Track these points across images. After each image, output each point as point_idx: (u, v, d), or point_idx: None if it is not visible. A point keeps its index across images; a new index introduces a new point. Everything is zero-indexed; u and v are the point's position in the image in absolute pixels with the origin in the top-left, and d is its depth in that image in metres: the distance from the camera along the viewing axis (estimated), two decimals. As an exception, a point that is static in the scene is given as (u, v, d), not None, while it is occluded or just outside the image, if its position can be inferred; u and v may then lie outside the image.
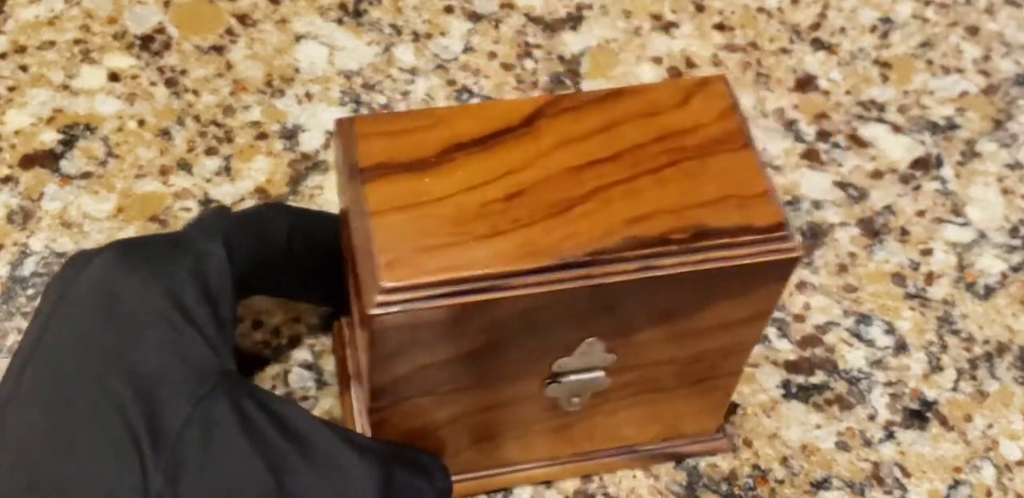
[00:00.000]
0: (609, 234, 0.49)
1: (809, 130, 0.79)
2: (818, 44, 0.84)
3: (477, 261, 0.48)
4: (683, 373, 0.58)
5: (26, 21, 0.80)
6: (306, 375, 0.67)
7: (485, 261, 0.48)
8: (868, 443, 0.67)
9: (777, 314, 0.71)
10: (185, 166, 0.74)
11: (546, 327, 0.51)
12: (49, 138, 0.75)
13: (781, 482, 0.65)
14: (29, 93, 0.77)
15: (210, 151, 0.75)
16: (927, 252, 0.74)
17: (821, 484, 0.65)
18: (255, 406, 0.52)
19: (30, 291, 0.69)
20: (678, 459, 0.66)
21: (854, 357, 0.70)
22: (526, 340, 0.52)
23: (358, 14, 0.82)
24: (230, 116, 0.76)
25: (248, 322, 0.69)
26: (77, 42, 0.79)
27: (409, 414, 0.56)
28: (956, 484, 0.66)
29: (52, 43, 0.79)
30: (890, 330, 0.71)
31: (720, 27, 0.84)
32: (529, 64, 0.81)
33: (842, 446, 0.66)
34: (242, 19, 0.81)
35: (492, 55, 0.81)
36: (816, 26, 0.85)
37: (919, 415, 0.68)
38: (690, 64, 0.81)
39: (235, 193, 0.73)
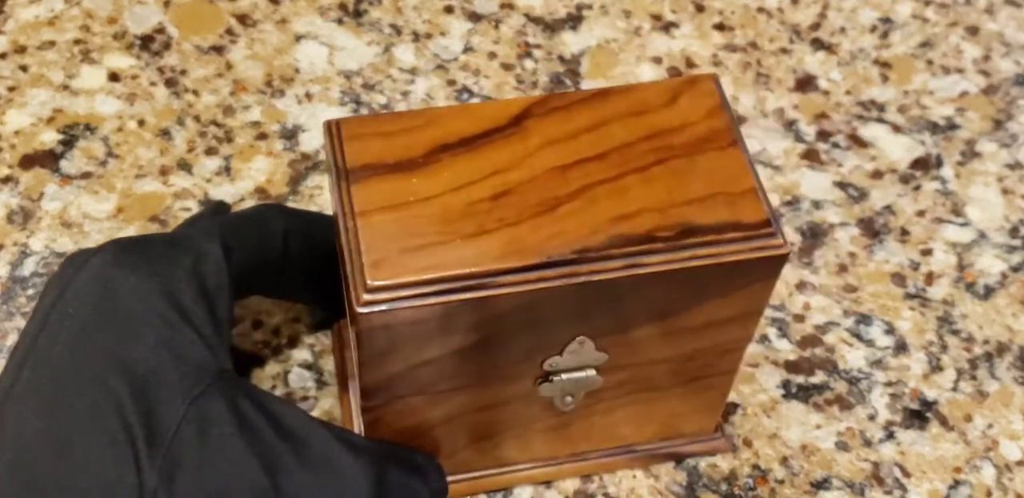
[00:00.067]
0: (595, 232, 0.49)
1: (809, 130, 0.79)
2: (818, 44, 0.83)
3: (463, 260, 0.48)
4: (677, 372, 0.58)
5: (26, 21, 0.80)
6: (306, 375, 0.67)
7: (471, 260, 0.48)
8: (868, 443, 0.66)
9: (777, 314, 0.71)
10: (185, 166, 0.74)
11: (535, 326, 0.51)
12: (49, 138, 0.75)
13: (781, 482, 0.65)
14: (29, 93, 0.77)
15: (210, 151, 0.75)
16: (927, 252, 0.74)
17: (821, 484, 0.65)
18: (251, 405, 0.52)
19: (30, 291, 0.69)
20: (677, 459, 0.65)
21: (854, 357, 0.69)
22: (515, 339, 0.52)
23: (358, 14, 0.82)
24: (230, 116, 0.76)
25: (248, 322, 0.69)
26: (77, 42, 0.79)
27: (402, 413, 0.56)
28: (956, 484, 0.66)
29: (52, 43, 0.79)
30: (890, 330, 0.71)
31: (720, 27, 0.84)
32: (529, 64, 0.81)
33: (842, 446, 0.66)
34: (242, 19, 0.81)
35: (492, 55, 0.81)
36: (816, 26, 0.84)
37: (919, 415, 0.68)
38: (690, 64, 0.81)
39: (235, 193, 0.73)
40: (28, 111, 0.76)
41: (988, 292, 0.73)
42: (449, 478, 0.60)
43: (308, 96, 0.78)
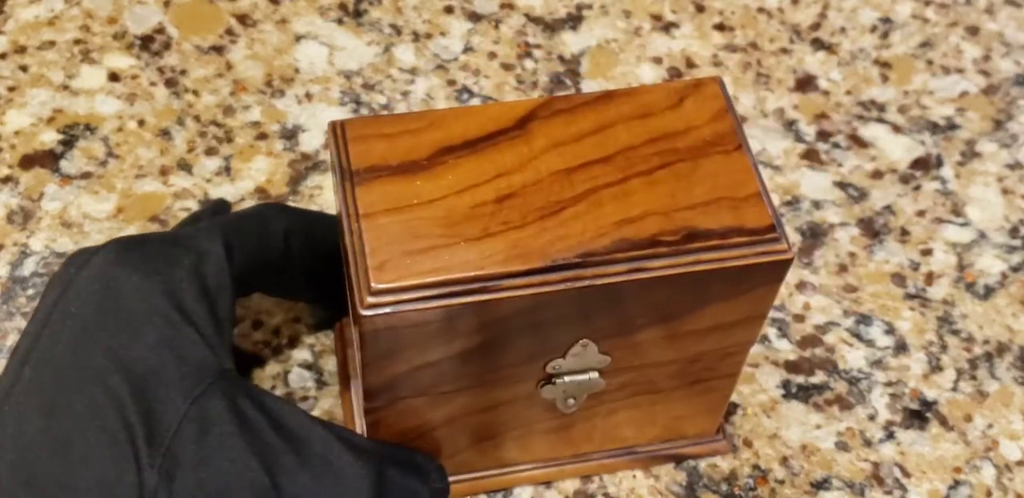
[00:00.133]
0: (600, 236, 0.49)
1: (809, 130, 0.79)
2: (818, 44, 0.83)
3: (467, 263, 0.48)
4: (679, 375, 0.58)
5: (26, 21, 0.80)
6: (306, 375, 0.67)
7: (475, 263, 0.48)
8: (868, 443, 0.67)
9: (777, 314, 0.71)
10: (185, 166, 0.74)
11: (538, 328, 0.51)
12: (49, 138, 0.75)
13: (781, 482, 0.65)
14: (29, 93, 0.77)
15: (210, 151, 0.75)
16: (927, 252, 0.74)
17: (821, 484, 0.65)
18: (252, 405, 0.52)
19: (30, 291, 0.69)
20: (678, 460, 0.66)
21: (854, 357, 0.69)
22: (519, 341, 0.52)
23: (358, 14, 0.82)
24: (230, 116, 0.76)
25: (248, 322, 0.69)
26: (77, 42, 0.79)
27: (405, 414, 0.56)
28: (956, 484, 0.66)
29: (52, 43, 0.79)
30: (890, 330, 0.71)
31: (720, 27, 0.84)
32: (529, 64, 0.81)
33: (842, 446, 0.66)
34: (242, 19, 0.81)
35: (492, 55, 0.81)
36: (816, 26, 0.84)
37: (919, 415, 0.68)
38: (690, 64, 0.81)
39: (235, 193, 0.73)
40: (28, 111, 0.76)
41: (988, 292, 0.73)
42: (450, 478, 0.60)
43: (308, 96, 0.78)
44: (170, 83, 0.78)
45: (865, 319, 0.71)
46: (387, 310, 0.48)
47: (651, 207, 0.50)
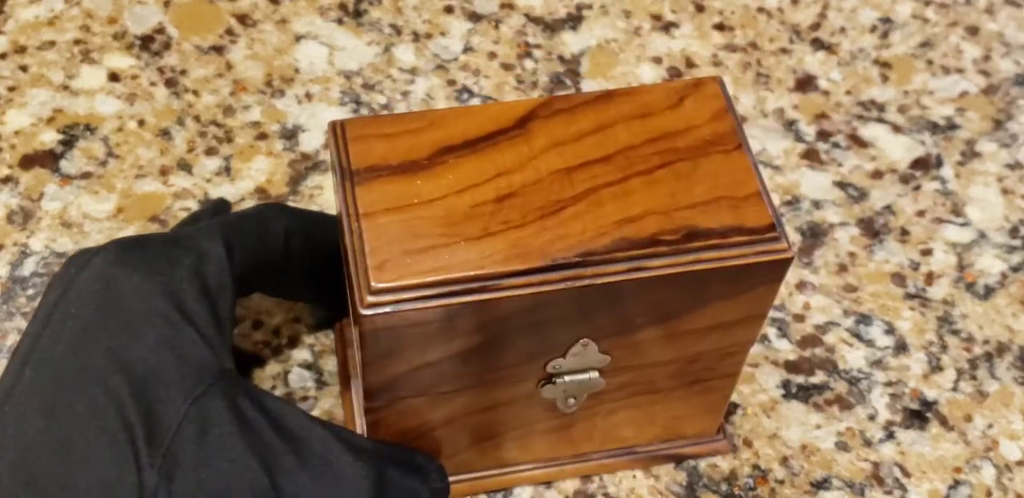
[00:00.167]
0: (600, 235, 0.49)
1: (809, 130, 0.79)
2: (818, 44, 0.83)
3: (468, 262, 0.48)
4: (680, 374, 0.58)
5: (26, 21, 0.80)
6: (306, 375, 0.67)
7: (475, 262, 0.48)
8: (868, 443, 0.67)
9: (777, 314, 0.71)
10: (185, 166, 0.74)
11: (538, 328, 0.51)
12: (49, 138, 0.75)
13: (781, 482, 0.65)
14: (29, 93, 0.77)
15: (210, 151, 0.75)
16: (927, 252, 0.74)
17: (821, 484, 0.65)
18: (252, 405, 0.52)
19: (30, 291, 0.69)
20: (678, 460, 0.66)
21: (854, 357, 0.69)
22: (519, 341, 0.52)
23: (358, 14, 0.82)
24: (230, 116, 0.76)
25: (248, 322, 0.69)
26: (77, 42, 0.79)
27: (405, 414, 0.56)
28: (956, 484, 0.66)
29: (52, 43, 0.79)
30: (890, 330, 0.71)
31: (720, 27, 0.84)
32: (529, 64, 0.81)
33: (842, 446, 0.66)
34: (242, 19, 0.81)
35: (492, 55, 0.81)
36: (816, 26, 0.84)
37: (919, 415, 0.68)
38: (690, 64, 0.81)
39: (235, 193, 0.73)
40: (28, 111, 0.76)
41: (988, 292, 0.73)
42: (450, 478, 0.60)
43: (308, 96, 0.78)
44: (170, 83, 0.78)
45: (865, 319, 0.71)
46: (387, 310, 0.48)
47: (651, 206, 0.50)
